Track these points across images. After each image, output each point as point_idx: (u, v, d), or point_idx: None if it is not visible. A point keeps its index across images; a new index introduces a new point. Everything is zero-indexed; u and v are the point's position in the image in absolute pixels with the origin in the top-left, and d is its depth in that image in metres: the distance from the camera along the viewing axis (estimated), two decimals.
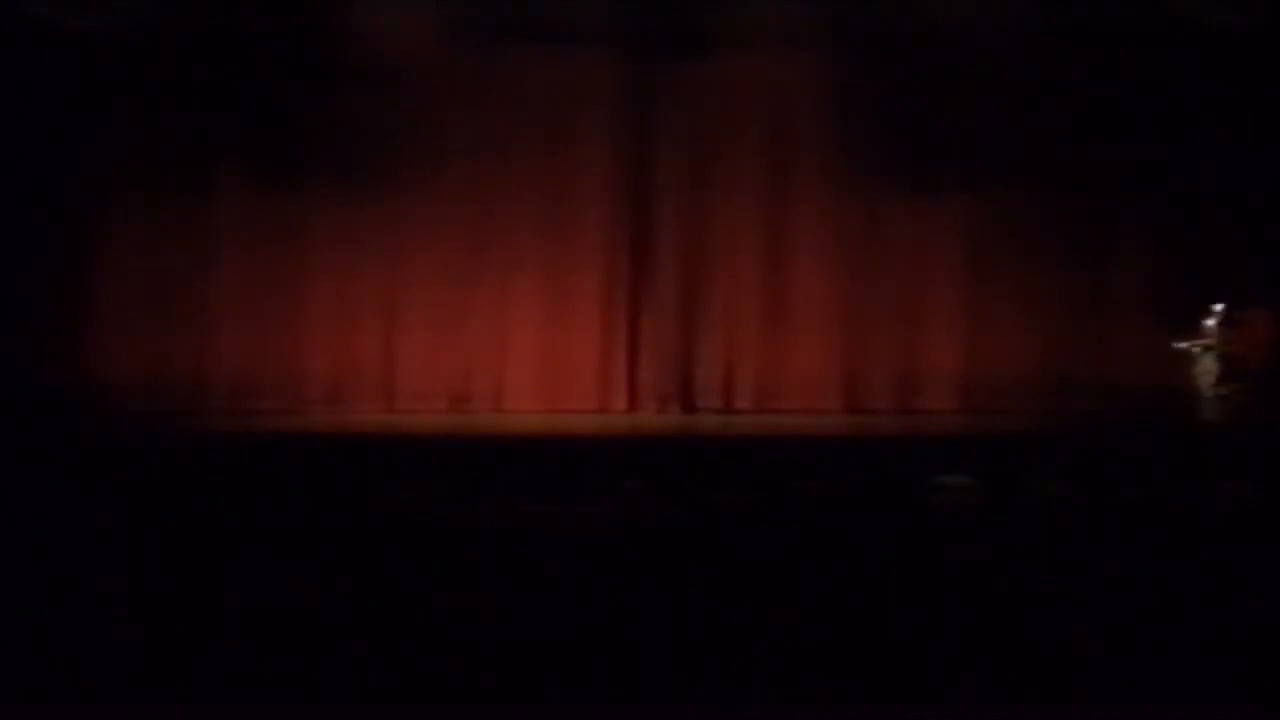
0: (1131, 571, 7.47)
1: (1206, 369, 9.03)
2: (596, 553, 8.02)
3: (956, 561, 6.74)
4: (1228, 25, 9.40)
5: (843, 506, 7.31)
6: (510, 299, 9.91)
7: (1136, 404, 9.39)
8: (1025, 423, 9.31)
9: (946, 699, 6.04)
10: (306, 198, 9.64)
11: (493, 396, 9.88)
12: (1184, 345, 9.09)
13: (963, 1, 9.53)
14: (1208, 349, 9.04)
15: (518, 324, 9.91)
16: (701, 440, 9.18)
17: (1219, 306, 9.10)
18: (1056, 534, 7.80)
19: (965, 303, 9.90)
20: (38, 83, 9.24)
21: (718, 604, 7.42)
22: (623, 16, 9.63)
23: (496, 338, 9.90)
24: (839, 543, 6.99)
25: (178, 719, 5.85)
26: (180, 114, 9.38)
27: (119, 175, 9.54)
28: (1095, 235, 9.84)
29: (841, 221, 9.94)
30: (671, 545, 7.93)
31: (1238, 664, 6.41)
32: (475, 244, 9.84)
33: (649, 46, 9.77)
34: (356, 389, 9.75)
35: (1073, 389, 9.70)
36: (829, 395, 9.96)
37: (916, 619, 6.42)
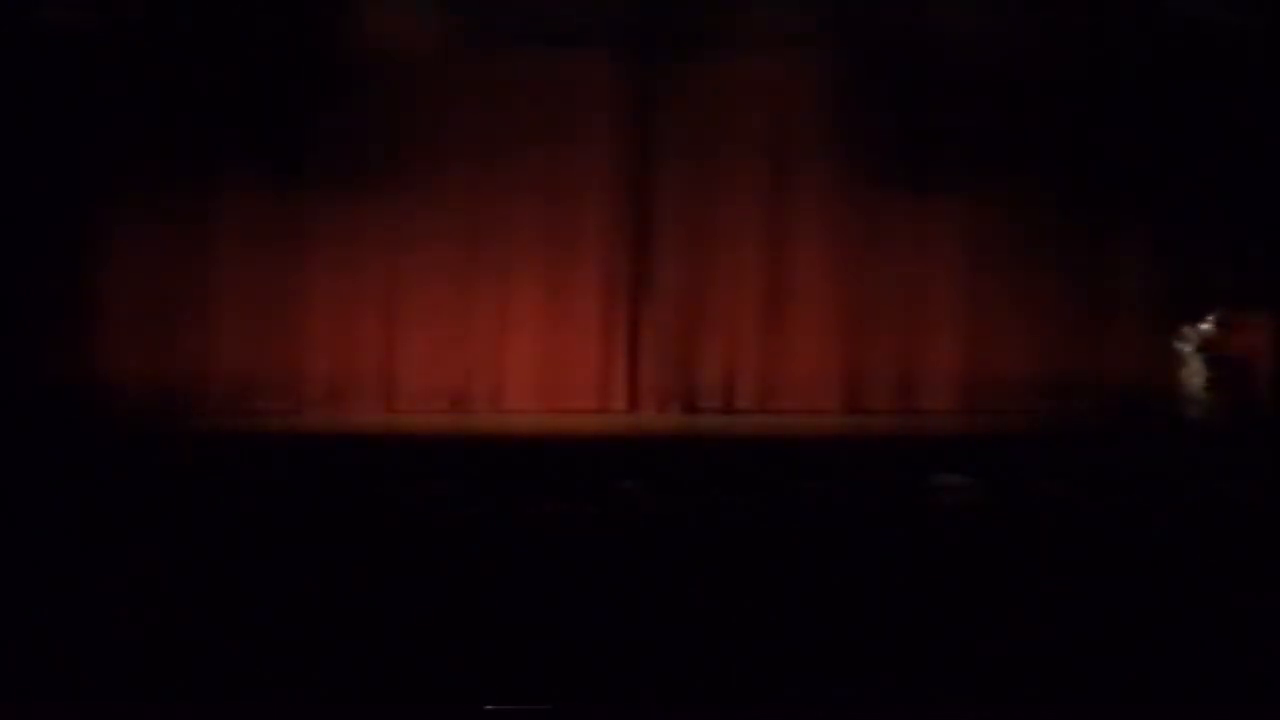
0: (1131, 571, 7.49)
1: (1198, 370, 9.03)
2: (596, 553, 8.02)
3: (956, 561, 6.75)
4: (1228, 24, 9.40)
5: (843, 506, 7.31)
6: (511, 299, 9.91)
7: (1136, 404, 9.39)
8: (1025, 423, 9.32)
9: (946, 699, 6.04)
10: (307, 198, 9.64)
11: (493, 396, 9.88)
12: (1179, 347, 9.10)
13: (963, 2, 9.53)
14: (1200, 350, 9.04)
15: (518, 324, 9.91)
16: (701, 440, 9.19)
17: (1214, 309, 9.11)
18: (1056, 534, 7.81)
19: (965, 303, 9.91)
20: (38, 83, 9.24)
21: (718, 604, 7.42)
22: (623, 18, 9.63)
23: (496, 337, 9.90)
24: (839, 542, 6.99)
25: (178, 719, 5.86)
26: (181, 114, 9.37)
27: (119, 176, 9.54)
28: (1095, 235, 9.84)
29: (842, 222, 9.94)
30: (671, 545, 7.94)
31: (1238, 664, 6.41)
32: (475, 244, 9.85)
33: (649, 48, 9.77)
34: (356, 389, 9.75)
35: (1073, 389, 9.70)
36: (829, 395, 9.96)
37: (916, 618, 6.42)
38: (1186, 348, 9.10)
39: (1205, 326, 9.12)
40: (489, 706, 5.59)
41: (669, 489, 8.44)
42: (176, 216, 9.60)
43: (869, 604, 6.58)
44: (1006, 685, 6.22)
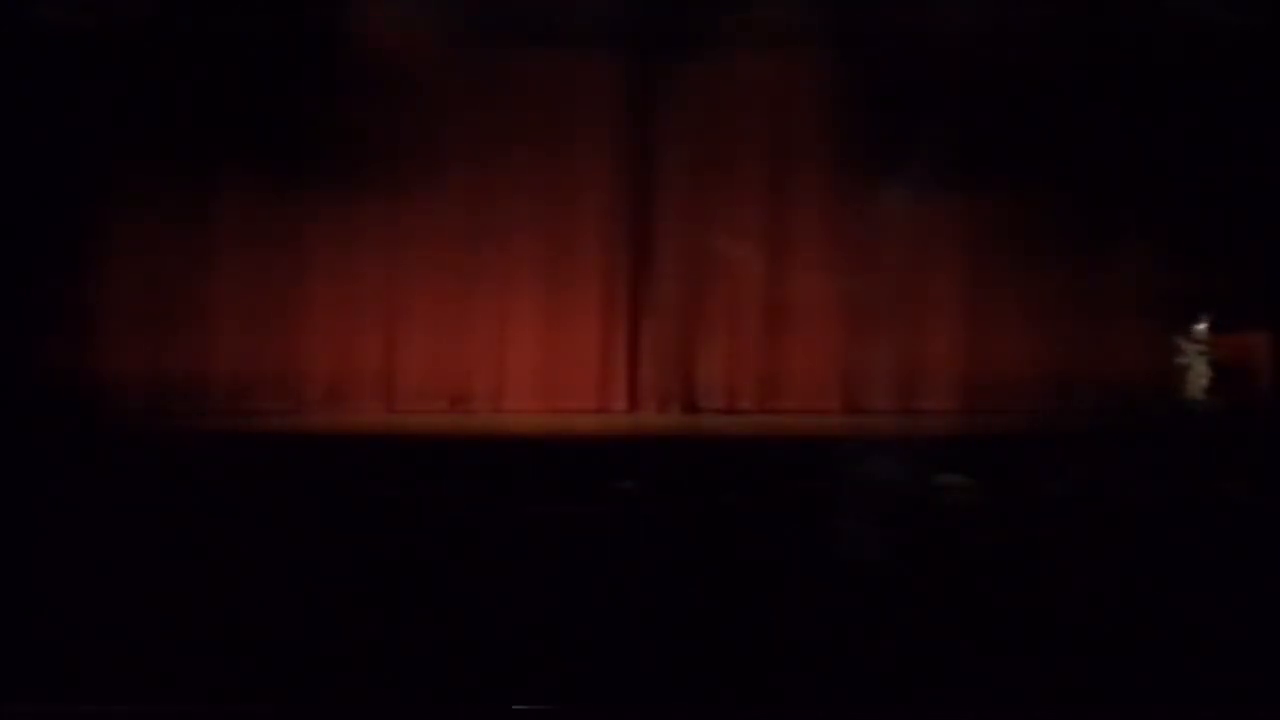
0: (1130, 571, 7.47)
1: (1198, 371, 9.04)
2: (596, 553, 8.02)
3: (955, 561, 6.76)
4: (1229, 25, 9.40)
5: (842, 506, 7.30)
6: (511, 299, 9.91)
7: (1136, 404, 9.39)
8: (1025, 423, 9.31)
9: (946, 699, 6.05)
10: (307, 198, 9.64)
11: (493, 396, 9.88)
12: (1179, 347, 9.10)
13: (963, 2, 9.53)
14: (1200, 351, 9.04)
15: (518, 324, 9.91)
16: (701, 440, 9.18)
17: (1215, 310, 9.11)
18: (1056, 534, 7.81)
19: (965, 303, 9.91)
20: (38, 83, 9.24)
21: (717, 604, 7.42)
22: (623, 17, 9.63)
23: (496, 338, 9.90)
24: (838, 542, 6.99)
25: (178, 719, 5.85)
26: (181, 115, 9.38)
27: (119, 176, 9.54)
28: (1095, 236, 9.84)
29: (842, 221, 9.94)
30: (671, 545, 7.94)
31: (1238, 664, 6.41)
32: (475, 244, 9.84)
33: (649, 47, 9.77)
34: (356, 389, 9.75)
35: (1073, 389, 9.70)
36: (829, 395, 9.96)
37: (916, 618, 6.42)
38: (1186, 348, 9.10)
39: (1204, 327, 9.12)
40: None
41: (669, 489, 8.43)
42: (176, 216, 9.60)
43: (869, 603, 6.58)
44: (1006, 685, 6.22)
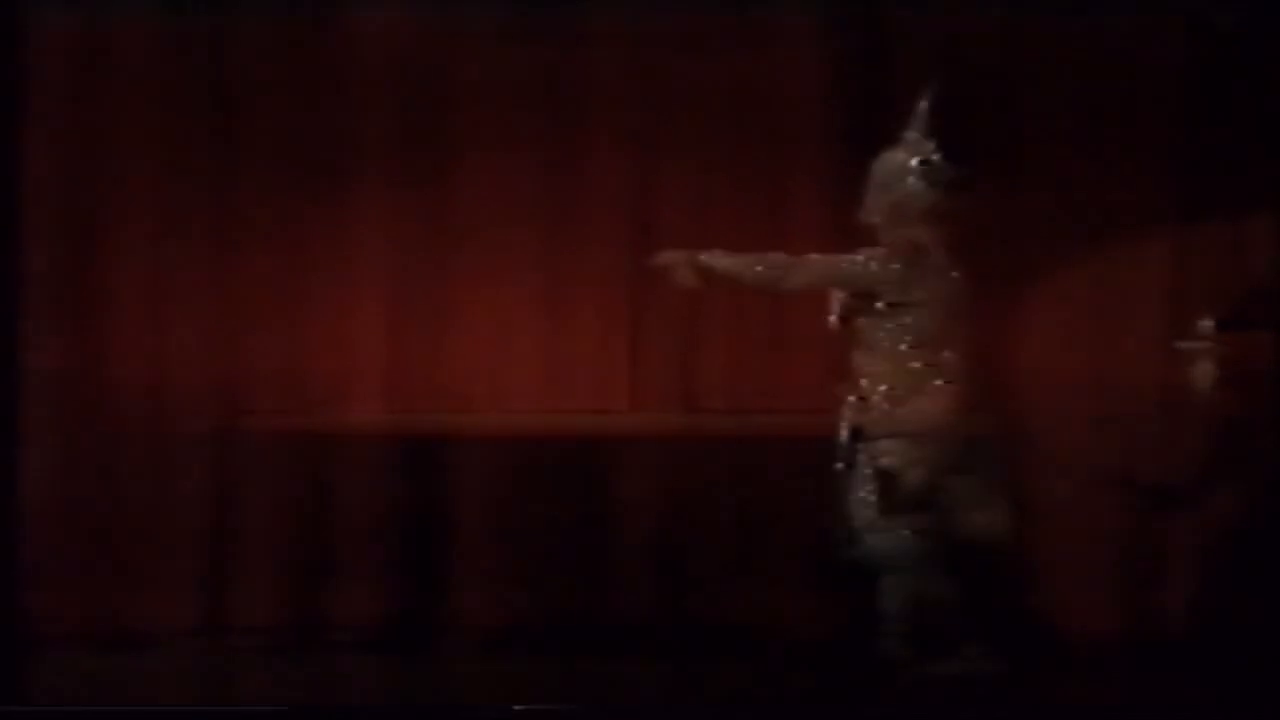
0: (1129, 571, 7.47)
1: (1204, 370, 9.01)
2: (596, 553, 8.05)
3: (954, 561, 6.76)
4: (1232, 24, 9.38)
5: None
6: (511, 298, 9.89)
7: (1137, 404, 9.37)
8: (1025, 423, 9.29)
9: (945, 699, 6.05)
10: (307, 197, 9.62)
11: (493, 396, 9.86)
12: (1182, 346, 9.07)
13: (960, 1, 9.51)
14: (1205, 352, 9.01)
15: (518, 323, 9.89)
16: (701, 440, 9.17)
17: (1218, 307, 9.08)
18: (1056, 533, 7.83)
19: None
20: (37, 81, 9.24)
21: (717, 603, 7.42)
22: (622, 16, 9.61)
23: (497, 337, 9.88)
24: (838, 542, 7.00)
25: None
26: (181, 113, 9.37)
27: (118, 174, 9.52)
28: (1097, 233, 9.82)
29: (842, 220, 9.92)
30: (671, 544, 7.95)
31: (1237, 666, 6.42)
32: (476, 243, 9.83)
33: (649, 46, 9.75)
34: (356, 389, 9.73)
35: (1073, 389, 9.67)
36: (830, 395, 9.92)
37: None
38: (1190, 347, 9.08)
39: (1208, 323, 9.09)
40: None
41: (669, 489, 8.44)
42: (176, 215, 9.57)
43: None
44: (1005, 685, 6.23)
